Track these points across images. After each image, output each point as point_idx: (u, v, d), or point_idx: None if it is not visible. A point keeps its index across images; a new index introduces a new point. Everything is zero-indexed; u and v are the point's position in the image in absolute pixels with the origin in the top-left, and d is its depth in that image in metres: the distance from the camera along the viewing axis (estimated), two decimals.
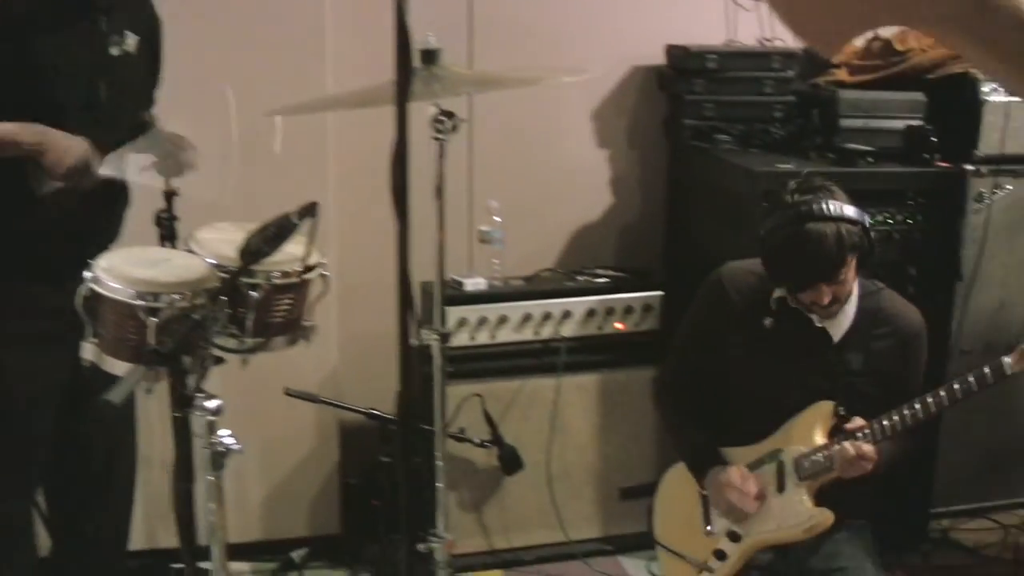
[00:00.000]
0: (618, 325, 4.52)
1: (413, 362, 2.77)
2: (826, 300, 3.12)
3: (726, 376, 3.41)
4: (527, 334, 4.42)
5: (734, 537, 3.33)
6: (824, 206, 3.04)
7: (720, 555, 3.36)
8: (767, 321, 3.28)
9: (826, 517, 3.20)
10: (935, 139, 4.48)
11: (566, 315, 4.45)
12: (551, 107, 4.80)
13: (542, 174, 4.86)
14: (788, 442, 3.28)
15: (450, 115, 2.83)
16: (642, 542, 4.60)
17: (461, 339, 4.31)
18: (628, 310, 4.53)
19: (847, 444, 3.09)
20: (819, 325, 3.24)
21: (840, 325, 3.25)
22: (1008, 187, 4.65)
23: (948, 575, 4.56)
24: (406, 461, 2.57)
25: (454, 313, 4.29)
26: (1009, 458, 5.00)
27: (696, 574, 3.42)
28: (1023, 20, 0.96)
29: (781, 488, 3.26)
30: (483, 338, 4.37)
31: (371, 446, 4.03)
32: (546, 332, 4.44)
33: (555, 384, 4.43)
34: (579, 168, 4.95)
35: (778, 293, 3.25)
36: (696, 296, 3.52)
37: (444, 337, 3.05)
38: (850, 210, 3.07)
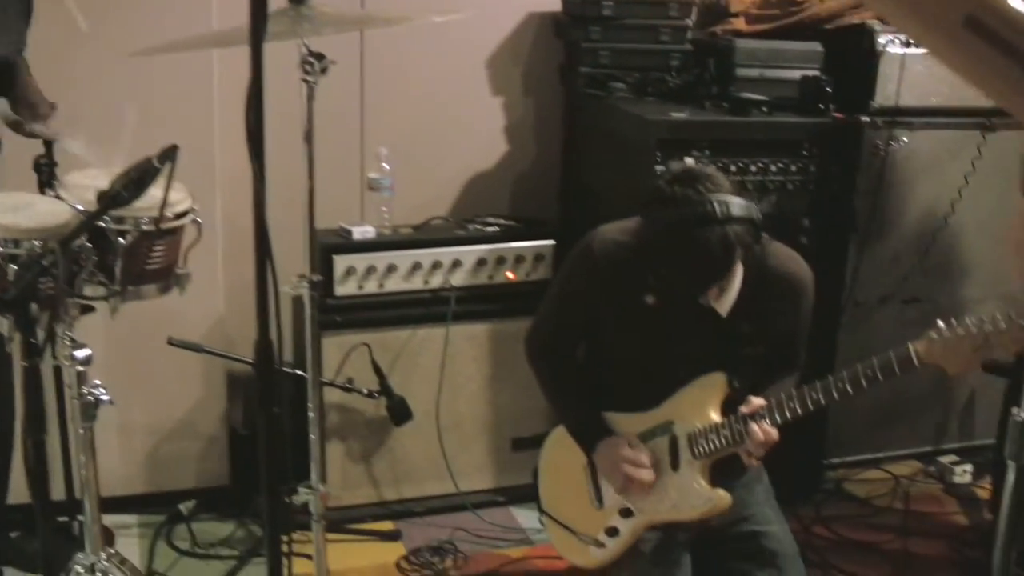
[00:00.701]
0: (509, 275, 4.51)
1: (277, 310, 2.75)
2: (713, 297, 3.01)
3: (603, 345, 3.32)
4: (416, 283, 4.38)
5: (626, 514, 3.25)
6: (709, 208, 2.78)
7: (612, 532, 3.28)
8: (648, 299, 3.08)
9: (724, 500, 3.12)
10: (831, 90, 4.49)
11: (456, 264, 4.42)
12: (445, 53, 4.75)
13: (435, 121, 4.81)
14: (680, 416, 3.18)
15: (320, 57, 2.77)
16: (534, 493, 4.61)
17: (349, 288, 4.28)
18: (519, 259, 4.51)
19: (755, 428, 3.00)
20: (707, 304, 3.07)
21: (728, 301, 3.08)
22: (904, 139, 4.68)
23: (840, 525, 4.60)
24: (266, 411, 2.54)
25: (342, 262, 4.26)
26: (900, 409, 5.07)
27: (586, 548, 3.34)
28: None
29: (675, 466, 3.17)
30: (371, 287, 4.32)
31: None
32: (436, 281, 4.41)
33: (445, 334, 4.40)
34: (473, 115, 4.90)
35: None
36: (566, 263, 3.34)
37: (315, 285, 2.99)
38: (736, 207, 2.82)
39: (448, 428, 4.49)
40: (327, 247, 4.20)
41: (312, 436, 3.08)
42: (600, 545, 3.29)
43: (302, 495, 3.08)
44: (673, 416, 3.19)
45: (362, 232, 4.34)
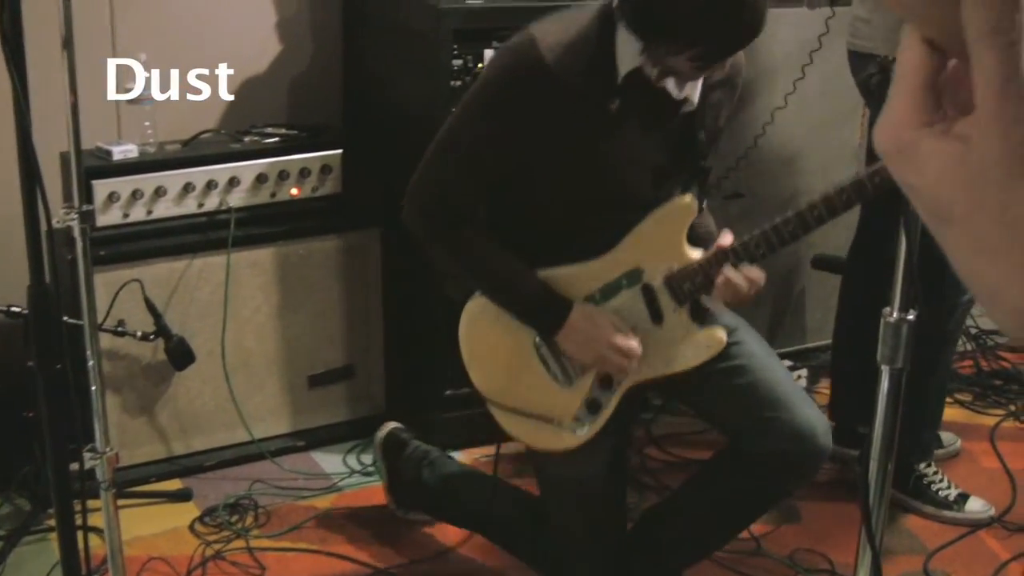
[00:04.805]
0: (294, 191, 4.38)
1: (51, 248, 2.56)
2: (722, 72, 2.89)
3: (537, 187, 2.98)
4: (189, 206, 4.21)
5: (607, 384, 3.01)
6: None
7: (593, 406, 3.02)
8: (613, 104, 2.81)
9: (720, 337, 2.99)
10: None
11: (233, 182, 4.26)
12: None
13: (196, 23, 4.58)
14: (648, 258, 2.96)
15: None
16: (336, 434, 4.61)
17: (112, 217, 4.08)
18: (304, 173, 4.37)
19: (734, 275, 2.85)
20: (679, 96, 2.85)
21: (697, 86, 2.88)
22: None
23: (674, 444, 4.67)
24: (47, 366, 2.36)
25: (102, 187, 4.04)
26: None
27: (562, 432, 3.05)
28: None
29: (657, 318, 2.98)
30: (138, 214, 4.13)
31: (14, 349, 3.71)
32: (211, 203, 4.24)
33: (225, 262, 4.24)
34: (238, 13, 4.68)
35: (629, 66, 2.77)
36: (494, 82, 2.92)
37: (85, 216, 2.79)
38: None
39: (236, 368, 4.35)
40: (84, 171, 3.94)
41: (94, 388, 2.87)
42: (582, 424, 3.04)
43: (87, 460, 2.86)
44: (639, 260, 2.97)
45: (123, 152, 4.14)
